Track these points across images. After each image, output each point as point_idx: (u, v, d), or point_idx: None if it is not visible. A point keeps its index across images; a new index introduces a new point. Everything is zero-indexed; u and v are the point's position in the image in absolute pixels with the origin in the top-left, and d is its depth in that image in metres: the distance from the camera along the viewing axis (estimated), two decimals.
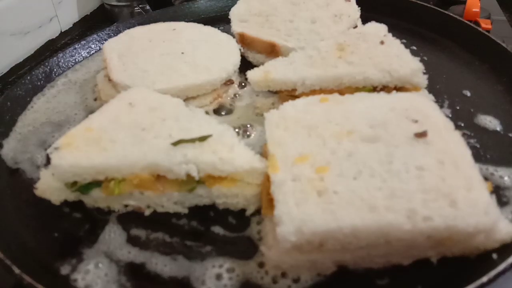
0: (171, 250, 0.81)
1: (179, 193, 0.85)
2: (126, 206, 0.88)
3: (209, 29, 1.25)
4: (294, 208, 0.69)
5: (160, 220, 0.86)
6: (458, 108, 1.07)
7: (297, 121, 0.85)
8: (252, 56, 1.23)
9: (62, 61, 1.28)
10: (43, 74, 1.23)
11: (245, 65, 1.17)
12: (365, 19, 1.21)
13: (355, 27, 1.24)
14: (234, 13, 1.28)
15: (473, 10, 1.49)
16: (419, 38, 1.31)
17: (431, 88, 1.03)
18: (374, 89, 0.99)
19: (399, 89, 0.98)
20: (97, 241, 0.83)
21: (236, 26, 1.24)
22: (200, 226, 0.85)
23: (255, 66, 1.11)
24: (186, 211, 0.87)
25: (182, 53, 1.12)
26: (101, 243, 0.83)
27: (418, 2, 1.42)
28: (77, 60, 1.31)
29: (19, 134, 1.08)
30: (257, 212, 0.84)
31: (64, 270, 0.78)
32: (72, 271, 0.78)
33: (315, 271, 0.73)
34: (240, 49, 1.18)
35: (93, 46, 1.35)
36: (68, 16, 1.71)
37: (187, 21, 1.29)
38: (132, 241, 0.83)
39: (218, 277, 0.75)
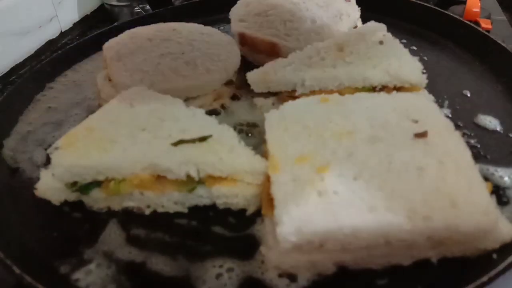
0: (171, 250, 0.81)
1: (179, 193, 0.84)
2: (126, 206, 0.88)
3: (209, 29, 1.25)
4: (294, 208, 0.69)
5: (160, 220, 0.86)
6: (458, 108, 1.07)
7: (297, 121, 0.85)
8: (252, 56, 1.23)
9: (62, 61, 1.28)
10: (43, 74, 1.23)
11: (245, 65, 1.17)
12: (365, 19, 1.21)
13: (355, 27, 1.24)
14: (234, 13, 1.28)
15: (473, 10, 1.49)
16: (419, 38, 1.31)
17: (431, 88, 1.03)
18: (373, 89, 0.99)
19: (399, 89, 0.98)
20: (97, 241, 0.83)
21: (236, 26, 1.24)
22: (200, 226, 0.85)
23: (255, 66, 1.10)
24: (186, 211, 0.87)
25: (182, 53, 1.12)
26: (101, 243, 0.82)
27: (418, 2, 1.42)
28: (77, 60, 1.31)
29: (19, 134, 1.08)
30: (257, 212, 0.84)
31: (64, 270, 0.78)
32: (72, 271, 0.78)
33: (315, 271, 0.73)
34: (240, 49, 1.18)
35: (93, 46, 1.35)
36: (68, 16, 1.71)
37: (187, 21, 1.29)
38: (132, 241, 0.83)
39: (218, 277, 0.75)
